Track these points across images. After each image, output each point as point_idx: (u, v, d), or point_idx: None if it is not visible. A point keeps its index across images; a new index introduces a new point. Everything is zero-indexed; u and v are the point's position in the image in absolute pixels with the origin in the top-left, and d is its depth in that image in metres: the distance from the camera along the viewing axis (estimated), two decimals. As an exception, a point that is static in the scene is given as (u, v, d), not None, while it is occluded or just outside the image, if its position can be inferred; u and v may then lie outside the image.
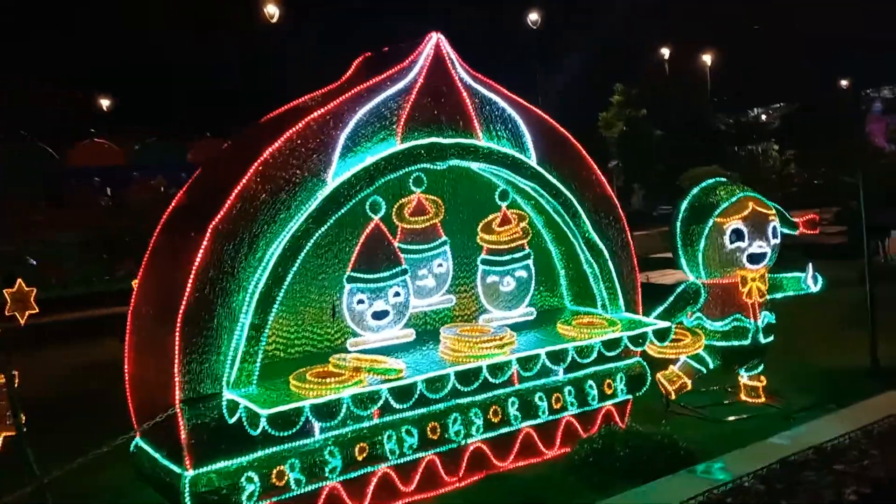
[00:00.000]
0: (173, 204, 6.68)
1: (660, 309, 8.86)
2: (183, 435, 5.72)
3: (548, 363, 7.01)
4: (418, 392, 6.18)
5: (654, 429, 7.95)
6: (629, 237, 8.41)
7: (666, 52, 39.67)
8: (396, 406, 6.16)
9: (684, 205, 9.00)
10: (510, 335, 6.99)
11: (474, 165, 7.30)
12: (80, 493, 6.91)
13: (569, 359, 7.19)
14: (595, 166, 8.16)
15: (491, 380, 6.66)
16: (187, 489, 5.60)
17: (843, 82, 49.90)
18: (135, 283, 6.54)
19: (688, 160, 30.71)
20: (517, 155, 7.39)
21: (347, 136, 6.43)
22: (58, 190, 31.11)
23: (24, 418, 6.02)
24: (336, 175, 6.35)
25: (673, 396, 8.88)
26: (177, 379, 5.67)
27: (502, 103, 7.45)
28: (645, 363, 8.26)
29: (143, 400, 6.29)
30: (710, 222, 8.66)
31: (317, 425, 6.11)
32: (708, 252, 8.72)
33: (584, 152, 8.09)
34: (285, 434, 5.61)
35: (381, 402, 6.00)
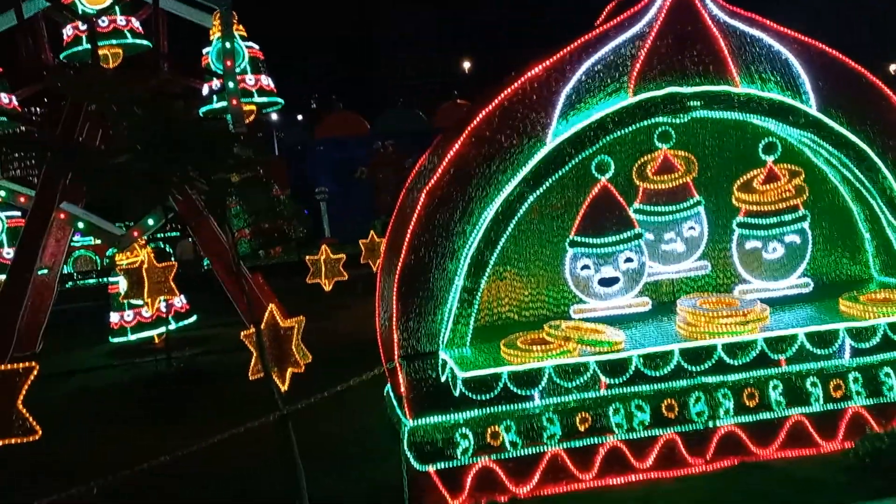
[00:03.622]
0: (416, 167, 7.02)
1: None
2: (403, 388, 6.10)
3: (809, 346, 5.97)
4: (633, 368, 5.74)
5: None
6: (958, 194, 6.66)
7: None
8: (607, 381, 5.81)
9: None
10: (760, 310, 6.08)
11: (728, 115, 6.39)
12: (331, 432, 7.84)
13: (840, 342, 6.05)
14: (906, 108, 6.59)
15: (728, 360, 5.89)
16: (406, 437, 5.98)
17: None
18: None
19: None
20: (786, 100, 6.29)
21: (569, 93, 6.09)
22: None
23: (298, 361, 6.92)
24: (556, 135, 6.08)
25: None
26: (396, 336, 6.04)
27: (770, 40, 6.37)
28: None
29: (385, 350, 6.83)
30: None
31: (536, 391, 6.04)
32: None
33: (890, 94, 6.57)
34: (483, 398, 5.65)
35: (588, 374, 5.71)
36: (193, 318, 14.41)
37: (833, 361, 6.39)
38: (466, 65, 38.80)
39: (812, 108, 6.36)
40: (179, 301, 13.91)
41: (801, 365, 6.34)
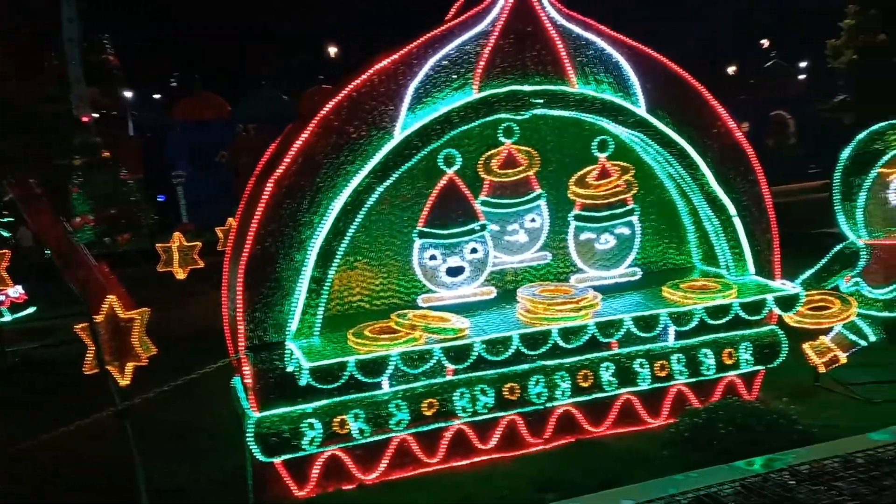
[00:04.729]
0: (266, 155, 6.96)
1: (810, 272, 7.77)
2: (249, 379, 6.06)
3: (635, 330, 6.45)
4: (476, 353, 5.99)
5: (782, 406, 7.08)
6: (765, 192, 7.38)
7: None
8: (452, 366, 6.05)
9: (846, 153, 7.69)
10: (592, 297, 6.50)
11: (566, 114, 6.76)
12: (179, 424, 7.81)
13: (663, 326, 6.57)
14: (723, 113, 7.21)
15: (563, 344, 6.27)
16: (252, 429, 5.95)
17: None
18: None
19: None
20: (617, 101, 6.73)
21: (417, 86, 6.24)
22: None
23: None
24: (404, 127, 6.21)
25: (822, 370, 7.81)
26: (241, 327, 5.99)
27: (603, 44, 6.78)
28: (781, 332, 7.29)
29: (232, 341, 6.75)
30: (873, 173, 7.35)
31: (384, 379, 6.16)
32: (869, 208, 7.43)
33: (709, 97, 7.16)
34: (330, 387, 5.73)
35: (434, 361, 5.91)
36: (32, 310, 13.57)
37: (658, 344, 6.95)
38: (332, 50, 38.32)
39: (641, 109, 6.83)
40: (15, 291, 13.04)
41: (630, 347, 6.85)
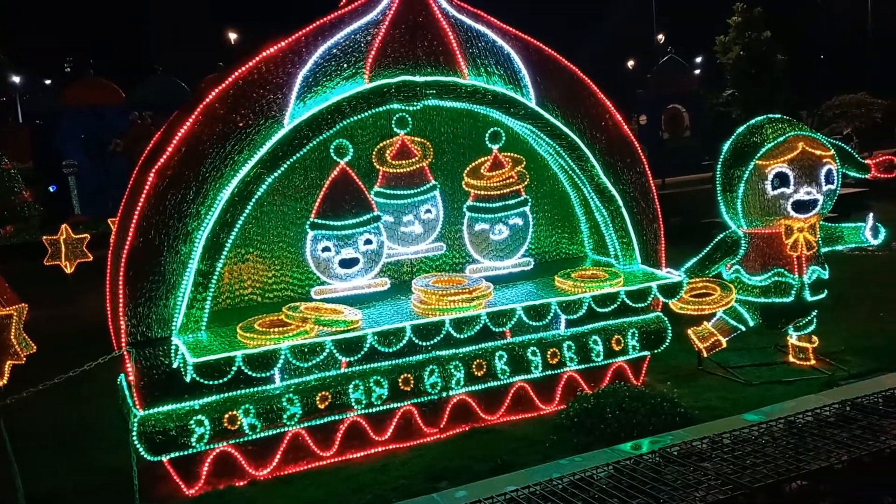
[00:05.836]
0: (150, 144, 6.70)
1: (694, 260, 8.10)
2: (132, 376, 5.85)
3: (526, 319, 6.57)
4: (368, 345, 5.97)
5: (666, 390, 7.38)
6: (651, 183, 7.65)
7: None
8: (345, 359, 6.02)
9: (727, 146, 8.05)
10: (485, 288, 6.58)
11: (458, 105, 6.80)
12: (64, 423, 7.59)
13: (553, 314, 6.73)
14: (610, 106, 7.41)
15: (456, 335, 6.33)
16: (136, 427, 5.75)
17: None
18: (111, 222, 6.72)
19: (827, 87, 28.00)
20: (508, 93, 6.81)
21: (306, 75, 6.14)
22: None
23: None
24: (293, 116, 6.11)
25: (704, 354, 8.17)
26: (123, 322, 5.77)
27: (493, 36, 6.85)
28: (665, 319, 7.59)
29: (115, 337, 6.48)
30: (751, 165, 7.68)
31: (275, 373, 6.06)
32: (748, 198, 7.77)
33: (596, 90, 7.35)
34: (216, 383, 5.59)
35: (325, 353, 5.85)
36: None
37: (550, 332, 7.11)
38: (233, 35, 37.23)
39: (531, 102, 6.94)
40: None
41: (523, 336, 6.98)
